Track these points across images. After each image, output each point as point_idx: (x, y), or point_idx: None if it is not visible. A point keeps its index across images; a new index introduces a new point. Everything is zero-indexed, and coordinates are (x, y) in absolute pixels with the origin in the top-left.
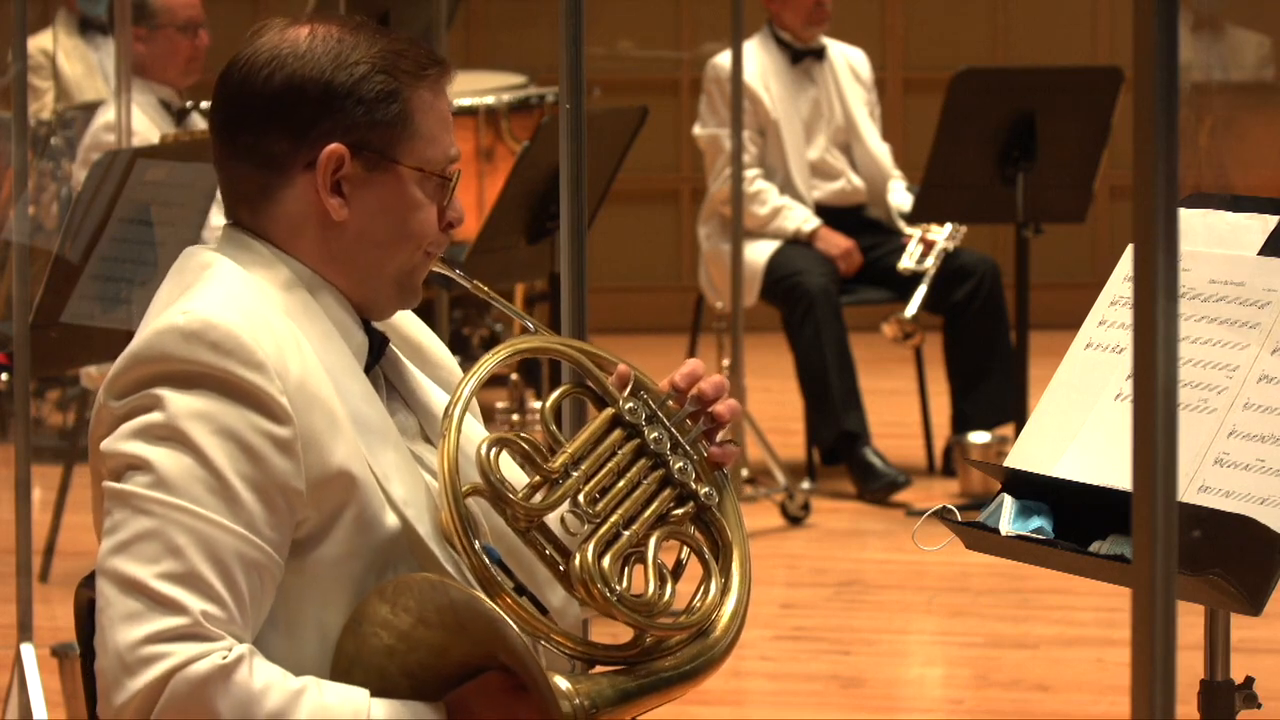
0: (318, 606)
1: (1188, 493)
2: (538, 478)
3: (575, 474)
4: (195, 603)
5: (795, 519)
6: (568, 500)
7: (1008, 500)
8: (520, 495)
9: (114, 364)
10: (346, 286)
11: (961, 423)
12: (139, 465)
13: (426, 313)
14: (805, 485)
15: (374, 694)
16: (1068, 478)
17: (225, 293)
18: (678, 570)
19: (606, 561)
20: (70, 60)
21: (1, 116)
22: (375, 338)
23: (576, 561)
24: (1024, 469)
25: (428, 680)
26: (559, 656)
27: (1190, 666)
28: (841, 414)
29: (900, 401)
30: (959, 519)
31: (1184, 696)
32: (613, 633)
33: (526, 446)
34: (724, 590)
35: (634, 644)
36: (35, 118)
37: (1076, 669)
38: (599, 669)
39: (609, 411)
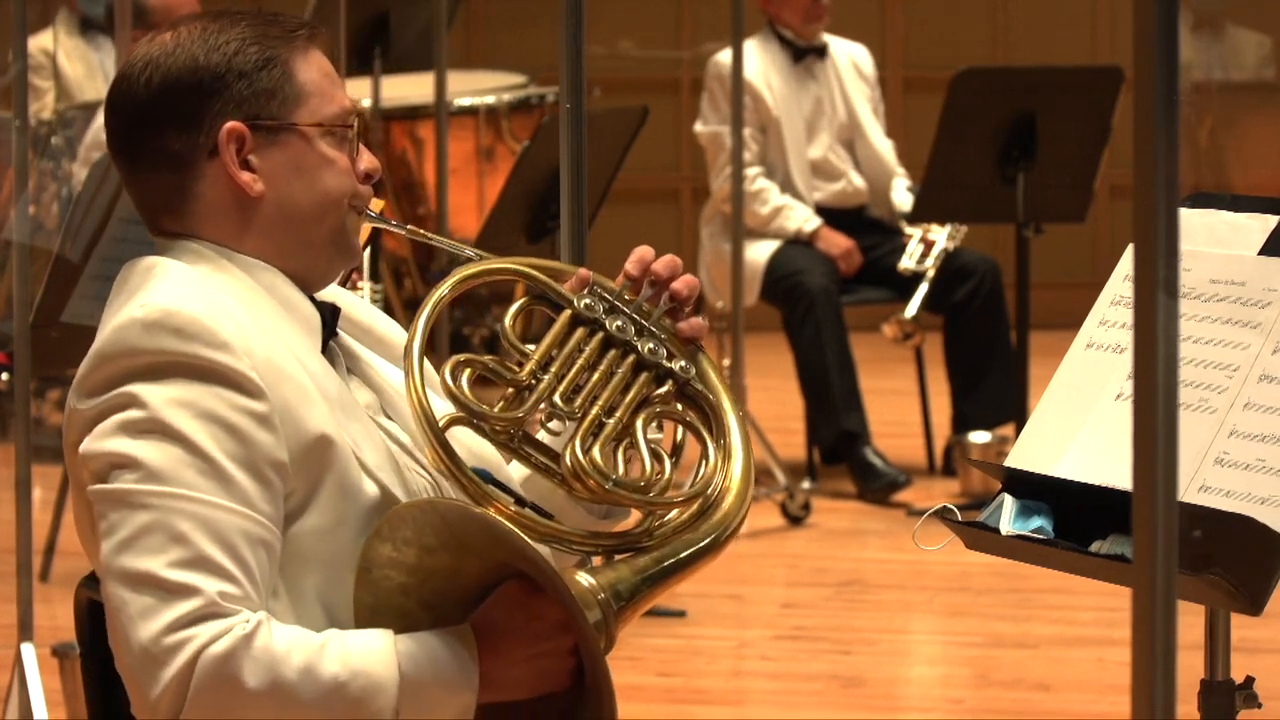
0: (316, 579)
1: (1188, 492)
2: (510, 390)
3: (546, 377)
4: (210, 584)
5: (795, 519)
6: (545, 403)
7: (1008, 500)
8: (496, 409)
9: (80, 366)
10: (283, 262)
11: (962, 423)
12: (125, 463)
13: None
14: (805, 485)
15: (400, 633)
16: (1068, 477)
17: (177, 284)
18: (677, 452)
19: (596, 452)
20: (71, 60)
21: (2, 116)
22: (324, 309)
23: (566, 459)
24: (1024, 469)
25: (449, 608)
26: (574, 558)
27: (1190, 666)
28: (842, 414)
29: (900, 401)
30: (959, 519)
31: (1184, 696)
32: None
33: (491, 362)
34: (726, 455)
35: (643, 526)
36: (36, 117)
37: (1076, 669)
38: (618, 558)
39: (566, 312)
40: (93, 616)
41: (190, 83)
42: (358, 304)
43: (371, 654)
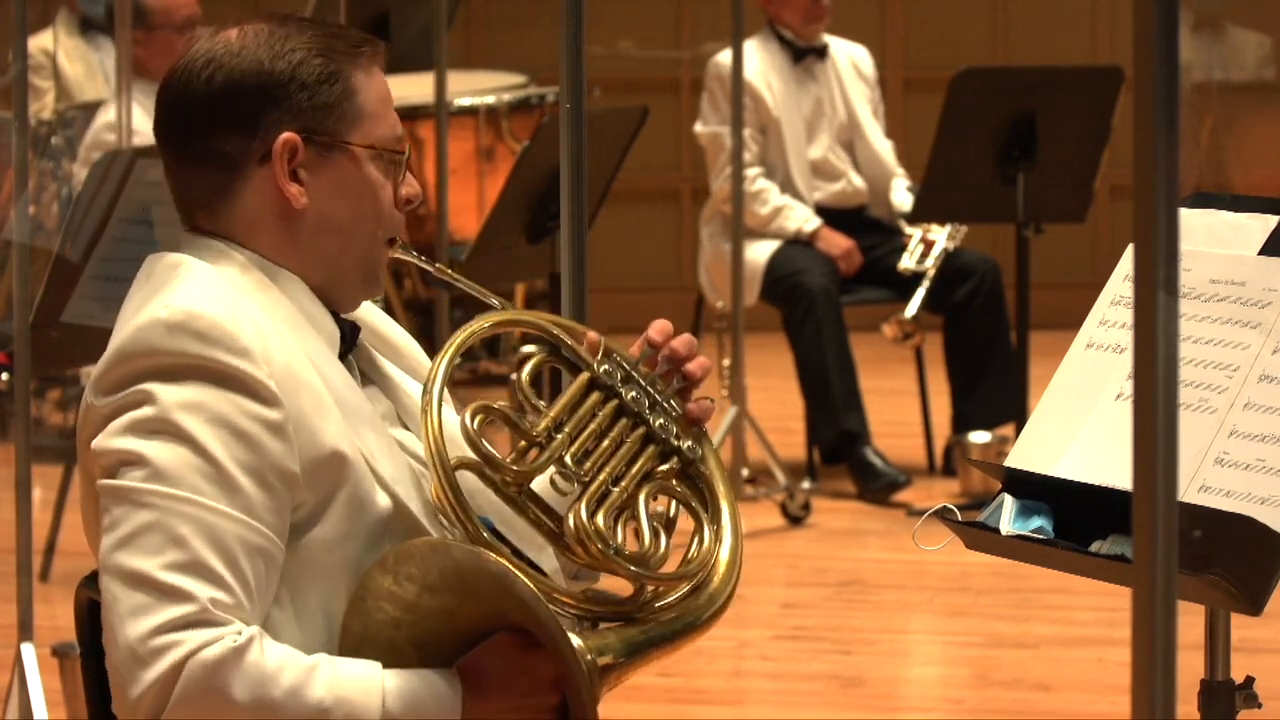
0: (321, 590)
1: (1188, 492)
2: (523, 443)
3: (559, 436)
4: (203, 590)
5: (795, 519)
6: (555, 462)
7: (1008, 500)
8: (509, 460)
9: (99, 363)
10: (311, 276)
11: (962, 423)
12: (133, 460)
13: (427, 313)
14: (805, 485)
15: (386, 667)
16: (1068, 477)
17: (201, 286)
18: (669, 525)
19: (600, 518)
20: (71, 60)
21: (2, 116)
22: (345, 326)
23: (571, 521)
24: (1024, 469)
25: (437, 649)
26: (564, 618)
27: (1190, 666)
28: (842, 414)
29: (900, 401)
30: (959, 519)
31: (1184, 696)
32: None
33: (509, 413)
34: (717, 538)
35: (635, 597)
36: (36, 117)
37: (1076, 669)
38: (604, 626)
39: (585, 375)
40: (93, 616)
41: (254, 85)
42: (374, 312)
43: (358, 684)
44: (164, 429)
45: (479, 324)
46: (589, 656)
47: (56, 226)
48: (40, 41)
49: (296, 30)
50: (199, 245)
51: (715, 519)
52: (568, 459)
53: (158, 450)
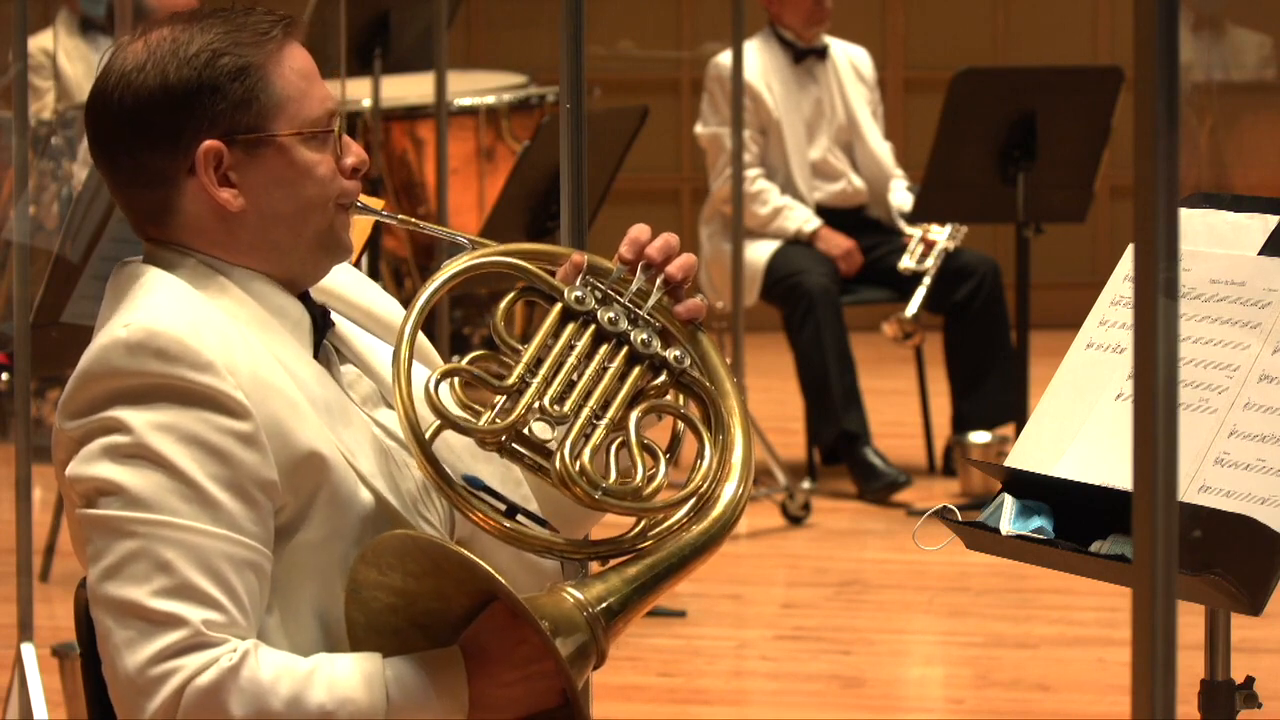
0: (311, 591)
1: (1188, 492)
2: (498, 396)
3: (535, 380)
4: (194, 613)
5: (795, 519)
6: (531, 410)
7: (1008, 500)
8: (483, 421)
9: (66, 385)
10: (270, 268)
11: (961, 423)
12: (109, 489)
13: (427, 312)
14: (805, 485)
15: (393, 651)
16: (1068, 477)
17: (162, 300)
18: (675, 444)
19: (586, 457)
20: (71, 60)
21: (2, 116)
22: (315, 310)
23: (556, 465)
24: (1024, 469)
25: (440, 626)
26: (571, 565)
27: (1190, 666)
28: (842, 414)
29: (900, 401)
30: (959, 519)
31: (1184, 696)
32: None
33: (476, 369)
34: (724, 448)
35: (637, 530)
36: (36, 117)
37: (1076, 669)
38: (612, 563)
39: (558, 306)
40: (92, 618)
41: (162, 102)
42: (356, 285)
43: (358, 680)
44: (136, 454)
45: (446, 273)
46: (589, 610)
47: (56, 226)
48: (40, 41)
49: (200, 31)
50: (160, 257)
51: (719, 428)
52: (546, 403)
53: (132, 477)
